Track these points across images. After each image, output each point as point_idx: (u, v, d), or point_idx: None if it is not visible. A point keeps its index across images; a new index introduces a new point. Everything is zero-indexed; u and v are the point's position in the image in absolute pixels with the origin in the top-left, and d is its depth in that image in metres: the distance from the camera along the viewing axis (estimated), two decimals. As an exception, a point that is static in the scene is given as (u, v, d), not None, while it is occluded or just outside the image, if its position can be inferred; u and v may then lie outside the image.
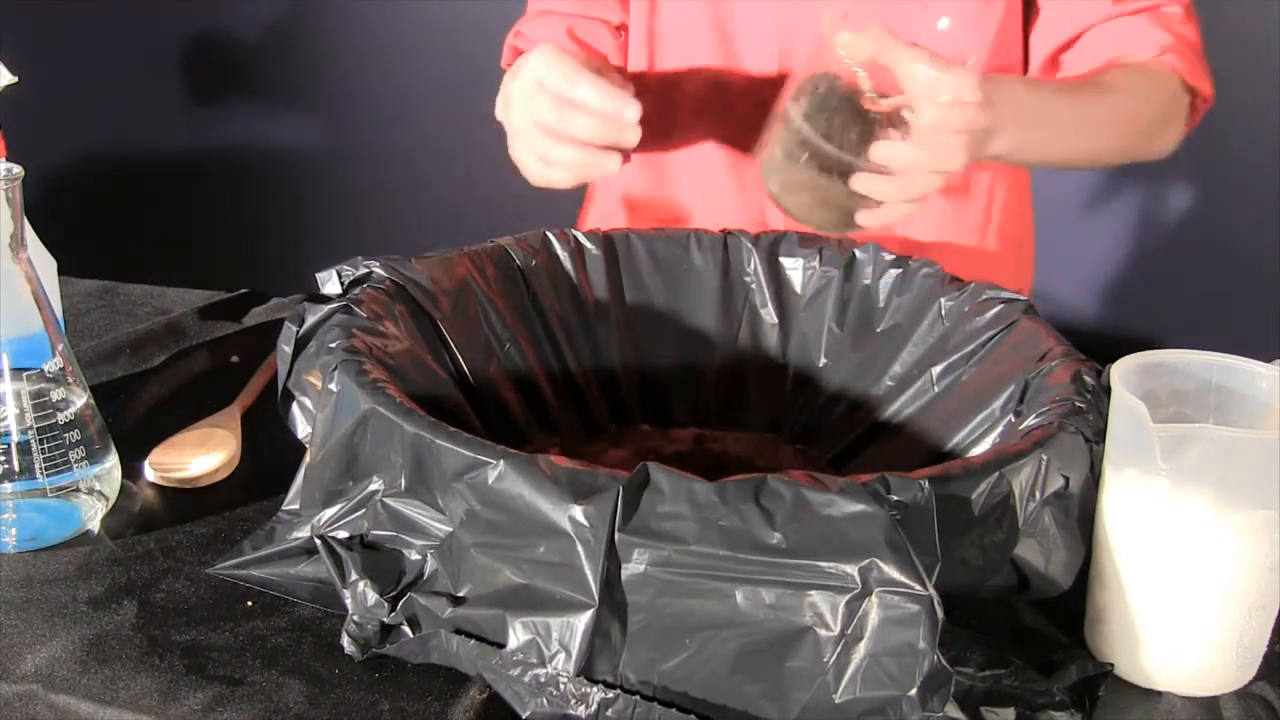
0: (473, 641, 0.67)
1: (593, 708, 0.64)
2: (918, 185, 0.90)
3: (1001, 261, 1.22)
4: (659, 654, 0.64)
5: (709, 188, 1.19)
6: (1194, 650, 0.71)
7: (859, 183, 0.90)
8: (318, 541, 0.73)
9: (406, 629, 0.70)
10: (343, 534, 0.74)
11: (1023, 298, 0.89)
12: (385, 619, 0.70)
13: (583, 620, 0.63)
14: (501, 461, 0.65)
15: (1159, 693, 0.72)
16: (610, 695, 0.64)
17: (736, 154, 1.17)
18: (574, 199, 1.32)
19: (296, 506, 0.80)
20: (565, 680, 0.64)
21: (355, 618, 0.71)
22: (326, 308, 0.82)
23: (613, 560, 0.62)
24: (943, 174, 0.90)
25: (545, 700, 0.65)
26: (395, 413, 0.70)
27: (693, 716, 0.64)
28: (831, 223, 0.95)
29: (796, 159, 0.93)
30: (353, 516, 0.74)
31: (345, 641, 0.71)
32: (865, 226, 0.93)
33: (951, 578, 0.65)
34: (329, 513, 0.75)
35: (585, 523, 0.62)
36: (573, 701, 0.64)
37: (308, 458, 0.77)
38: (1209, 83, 1.10)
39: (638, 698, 0.64)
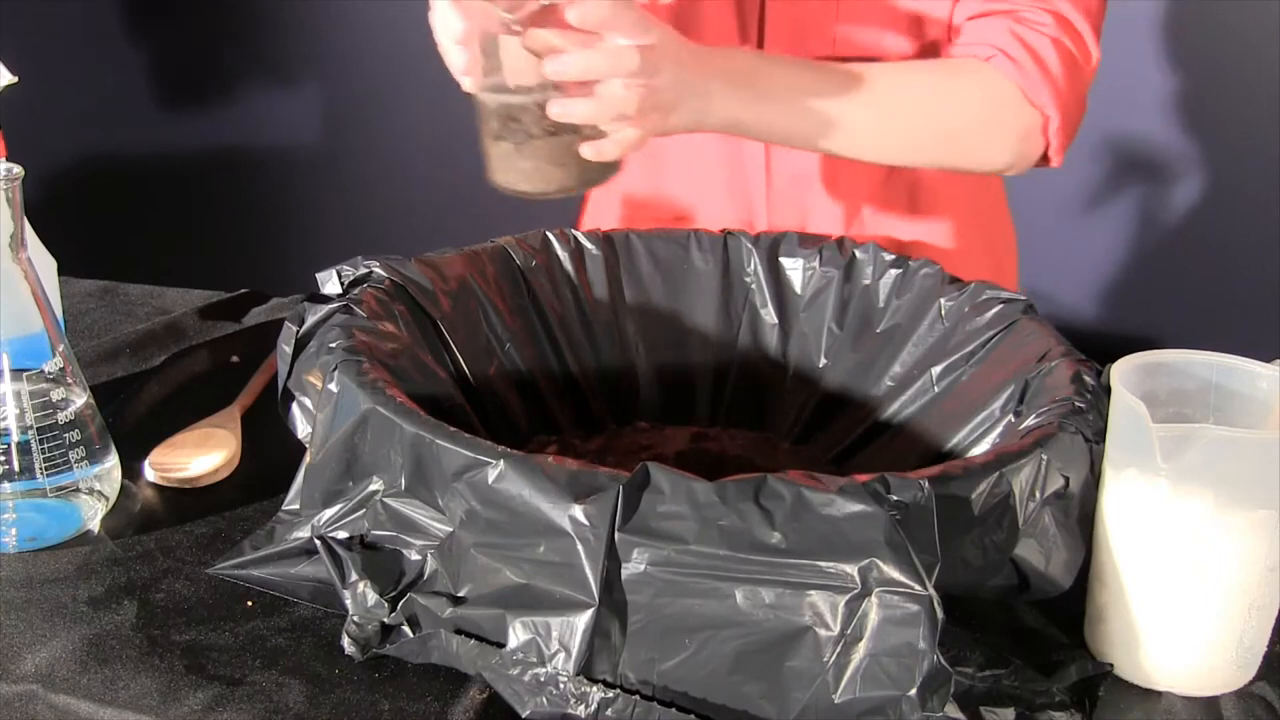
0: (472, 641, 0.67)
1: (592, 707, 0.64)
2: (615, 98, 0.87)
3: (977, 267, 1.21)
4: (658, 654, 0.64)
5: (706, 187, 1.19)
6: (1194, 650, 0.71)
7: (555, 109, 0.87)
8: (317, 542, 0.73)
9: (406, 629, 0.70)
10: (342, 534, 0.74)
11: (1022, 297, 0.89)
12: (385, 619, 0.70)
13: (582, 620, 0.63)
14: (501, 461, 0.65)
15: (1159, 693, 0.72)
16: (610, 695, 0.64)
17: (733, 151, 1.17)
18: (573, 199, 1.33)
19: (296, 506, 0.80)
20: (565, 679, 0.64)
21: (355, 618, 0.71)
22: (327, 308, 0.82)
23: (613, 560, 0.63)
24: (630, 79, 0.86)
25: (545, 699, 0.65)
26: (395, 413, 0.70)
27: (692, 716, 0.64)
28: (575, 177, 0.91)
29: (504, 134, 0.90)
30: (353, 517, 0.74)
31: (345, 642, 0.71)
32: (602, 161, 0.89)
33: (952, 578, 0.65)
34: (329, 513, 0.75)
35: (585, 522, 0.62)
36: (572, 701, 0.64)
37: (308, 457, 0.77)
38: (1056, 100, 1.01)
39: (637, 697, 0.64)
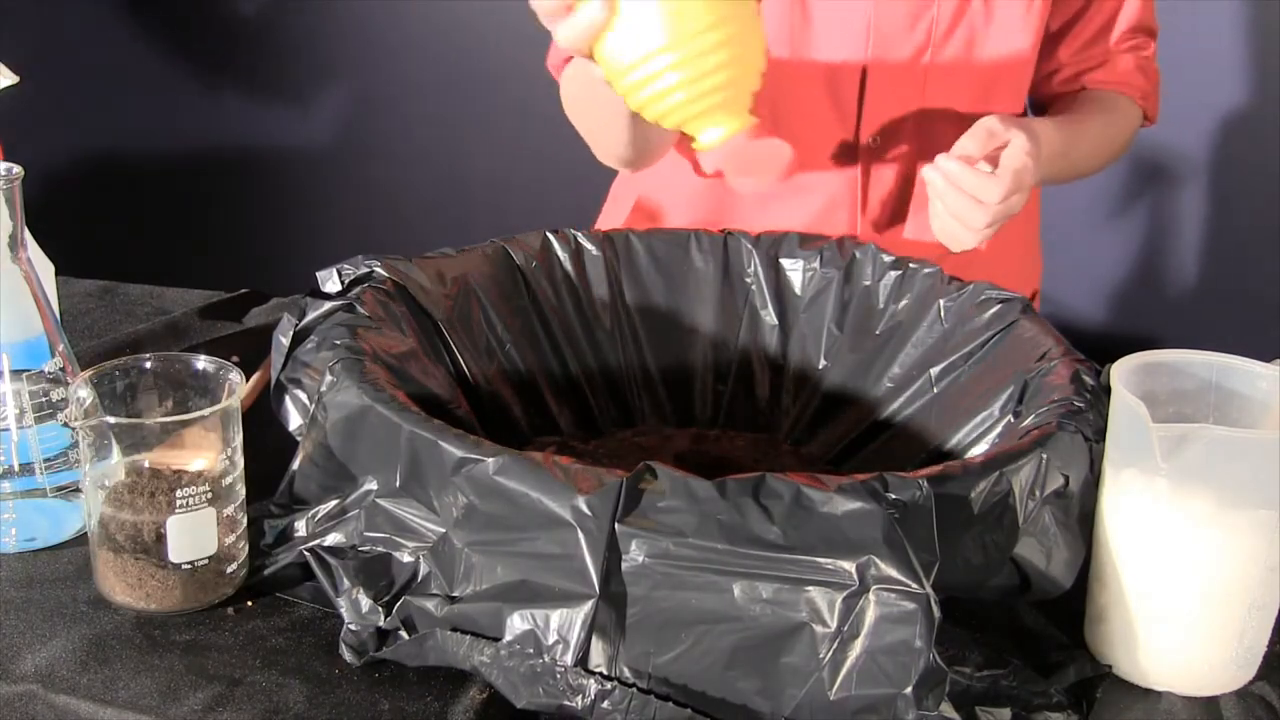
0: (469, 637, 0.67)
1: (589, 699, 0.64)
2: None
3: (1009, 250, 1.23)
4: (654, 647, 0.64)
5: (786, 210, 1.19)
6: (1194, 650, 0.71)
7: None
8: (308, 555, 0.74)
9: (403, 633, 0.70)
10: (333, 538, 0.74)
11: (1020, 296, 0.89)
12: (381, 624, 0.70)
13: (582, 611, 0.63)
14: (503, 455, 0.65)
15: (1159, 693, 0.72)
16: (607, 687, 0.64)
17: (825, 177, 1.18)
18: (575, 199, 1.32)
19: (286, 500, 0.79)
20: (562, 671, 0.64)
21: (352, 626, 0.71)
22: (329, 304, 0.83)
23: (612, 552, 0.63)
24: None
25: (541, 689, 0.65)
26: (394, 410, 0.70)
27: (688, 710, 0.64)
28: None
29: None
30: (346, 516, 0.74)
31: (344, 651, 0.71)
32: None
33: (952, 577, 0.65)
34: (323, 510, 0.75)
35: (588, 512, 0.63)
36: (569, 692, 0.64)
37: (301, 451, 0.77)
38: (1157, 105, 1.28)
39: (634, 690, 0.64)
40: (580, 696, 0.64)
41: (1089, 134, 1.19)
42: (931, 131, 1.16)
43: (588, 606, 0.63)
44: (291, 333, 0.82)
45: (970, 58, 1.15)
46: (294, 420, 0.79)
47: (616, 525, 0.62)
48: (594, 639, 0.64)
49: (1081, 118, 1.20)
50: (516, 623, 0.65)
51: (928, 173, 1.00)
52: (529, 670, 0.65)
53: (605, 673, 0.64)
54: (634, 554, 0.63)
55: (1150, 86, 1.25)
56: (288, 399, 0.79)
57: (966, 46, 1.14)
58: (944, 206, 1.00)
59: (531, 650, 0.65)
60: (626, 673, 0.64)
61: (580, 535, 0.63)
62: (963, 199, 0.99)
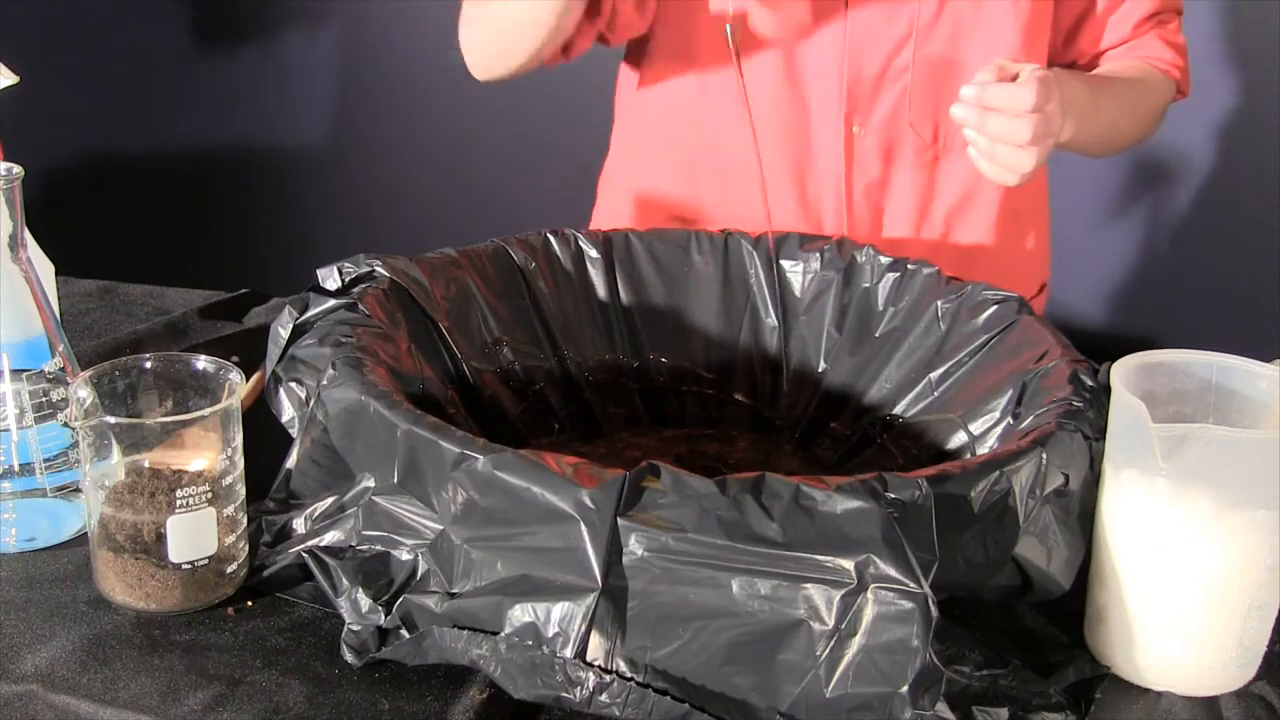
0: (467, 632, 0.67)
1: (587, 691, 0.64)
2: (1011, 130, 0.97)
3: (1020, 236, 1.23)
4: (652, 641, 0.64)
5: (772, 199, 1.18)
6: (1194, 650, 0.71)
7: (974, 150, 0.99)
8: (306, 557, 0.74)
9: (403, 631, 0.70)
10: (331, 536, 0.74)
11: (1018, 296, 0.89)
12: (381, 623, 0.70)
13: (584, 604, 0.63)
14: (504, 451, 0.65)
15: (1158, 693, 0.72)
16: (605, 679, 0.64)
17: (802, 162, 1.17)
18: (575, 199, 1.32)
19: (283, 496, 0.79)
20: (561, 663, 0.64)
21: (353, 626, 0.71)
22: (331, 302, 0.83)
23: (613, 546, 0.63)
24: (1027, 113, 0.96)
25: (540, 681, 0.65)
26: (392, 408, 0.70)
27: (685, 704, 0.64)
28: None
29: None
30: (344, 514, 0.74)
31: (345, 651, 0.71)
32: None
33: (952, 576, 0.65)
34: (321, 507, 0.75)
35: (591, 506, 0.63)
36: (567, 684, 0.64)
37: (297, 447, 0.77)
38: (1188, 79, 1.25)
39: (632, 683, 0.64)
40: (579, 689, 0.64)
41: (1118, 93, 1.16)
42: (921, 127, 1.15)
43: (590, 599, 0.63)
44: (291, 326, 0.82)
45: (957, 52, 1.13)
46: (287, 412, 0.79)
47: (618, 519, 0.63)
48: (594, 632, 0.64)
49: (1107, 77, 1.18)
50: (517, 615, 0.65)
51: (956, 110, 0.97)
52: (528, 662, 0.65)
53: (603, 666, 0.64)
54: (633, 548, 0.63)
55: (1179, 58, 1.22)
56: (283, 392, 0.79)
57: (952, 40, 1.13)
58: (983, 136, 0.97)
59: (531, 642, 0.65)
60: (624, 666, 0.64)
61: (583, 528, 0.63)
62: (999, 118, 0.95)
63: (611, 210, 1.28)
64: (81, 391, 0.75)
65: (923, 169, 1.17)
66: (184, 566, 0.74)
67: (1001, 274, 1.10)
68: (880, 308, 0.96)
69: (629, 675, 0.64)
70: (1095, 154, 1.23)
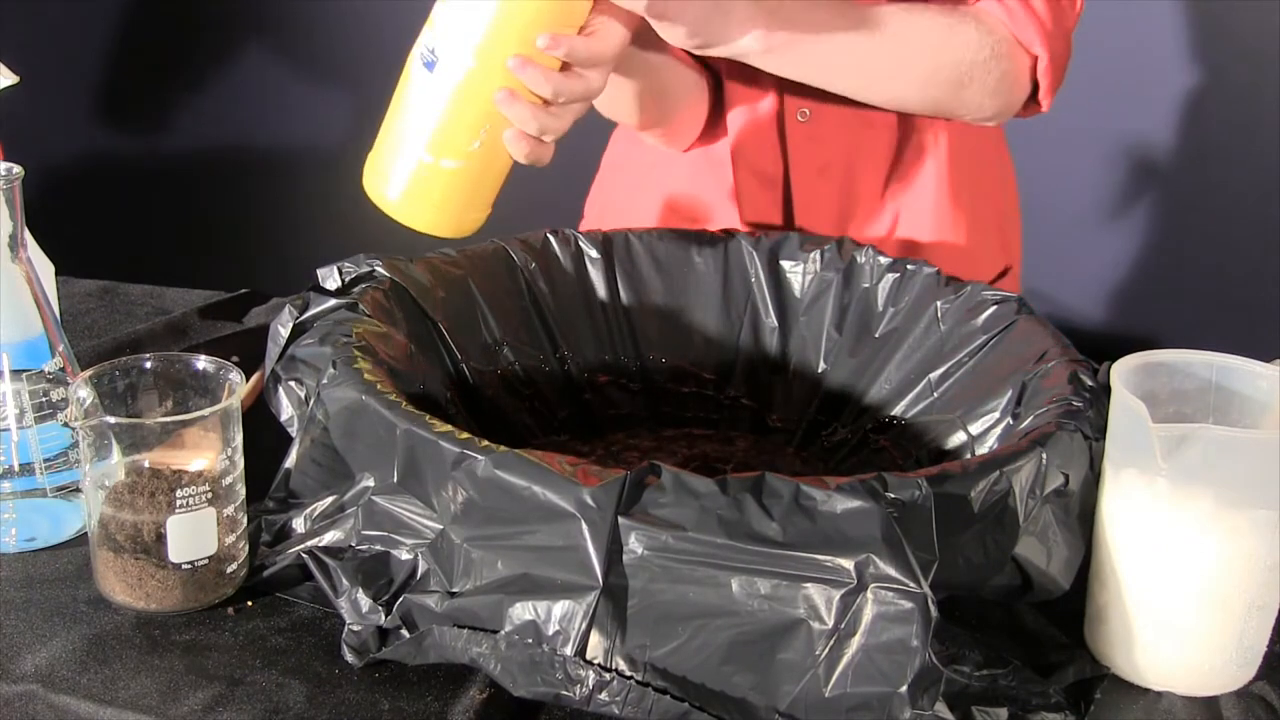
0: (467, 630, 0.67)
1: (587, 689, 0.64)
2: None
3: (985, 231, 1.20)
4: (651, 640, 0.64)
5: (716, 191, 1.18)
6: (1194, 650, 0.71)
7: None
8: (306, 557, 0.74)
9: (404, 631, 0.70)
10: (331, 536, 0.74)
11: (1017, 296, 0.89)
12: (381, 623, 0.70)
13: (584, 602, 0.64)
14: (504, 450, 0.65)
15: (1158, 693, 0.72)
16: (605, 677, 0.64)
17: (748, 151, 1.16)
18: (575, 199, 1.32)
19: (283, 495, 0.79)
20: (561, 661, 0.64)
21: (353, 626, 0.71)
22: (330, 301, 0.83)
23: (613, 544, 0.63)
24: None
25: (540, 679, 0.65)
26: (391, 406, 0.70)
27: (684, 703, 0.64)
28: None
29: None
30: (344, 514, 0.74)
31: (345, 651, 0.71)
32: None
33: (953, 576, 0.65)
34: (320, 507, 0.75)
35: (592, 504, 0.63)
36: (567, 682, 0.64)
37: (296, 446, 0.77)
38: (1044, 39, 1.03)
39: (632, 682, 0.64)
40: (578, 687, 0.64)
41: (865, 15, 0.99)
42: (865, 115, 1.10)
43: (591, 597, 0.63)
44: (291, 326, 0.82)
45: None
46: (286, 412, 0.79)
47: (618, 518, 0.63)
48: (594, 630, 0.64)
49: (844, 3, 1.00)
50: (518, 613, 0.65)
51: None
52: (528, 660, 0.65)
53: (603, 664, 0.64)
54: (634, 546, 0.63)
55: (1013, 20, 1.02)
56: (282, 391, 0.79)
57: None
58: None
59: (531, 640, 0.65)
60: (623, 664, 0.64)
61: (584, 527, 0.63)
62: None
63: (603, 199, 1.28)
64: (81, 391, 0.75)
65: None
66: (184, 566, 0.74)
67: (947, 255, 1.09)
68: (880, 308, 0.96)
69: (629, 674, 0.64)
70: (831, 86, 1.03)
